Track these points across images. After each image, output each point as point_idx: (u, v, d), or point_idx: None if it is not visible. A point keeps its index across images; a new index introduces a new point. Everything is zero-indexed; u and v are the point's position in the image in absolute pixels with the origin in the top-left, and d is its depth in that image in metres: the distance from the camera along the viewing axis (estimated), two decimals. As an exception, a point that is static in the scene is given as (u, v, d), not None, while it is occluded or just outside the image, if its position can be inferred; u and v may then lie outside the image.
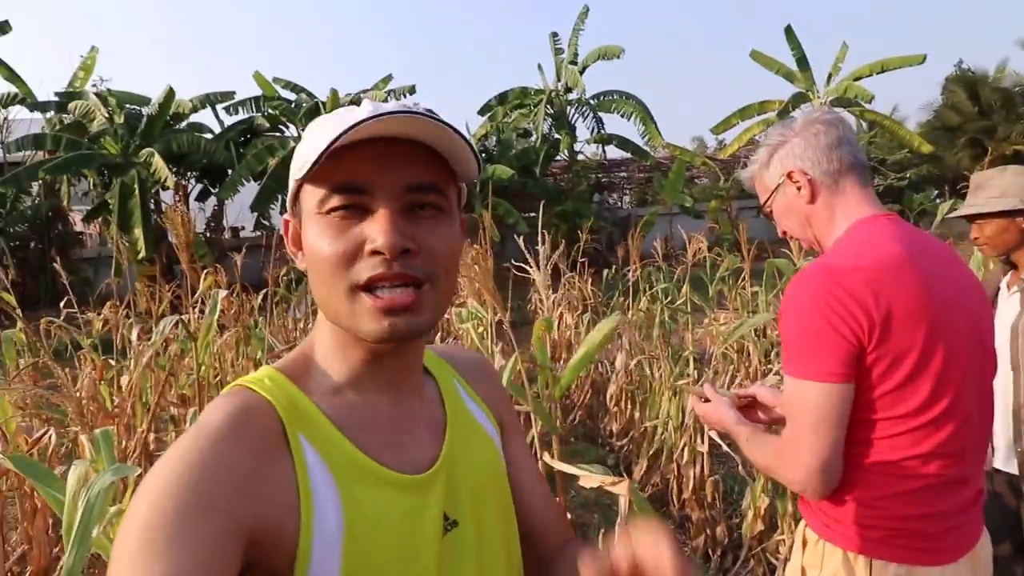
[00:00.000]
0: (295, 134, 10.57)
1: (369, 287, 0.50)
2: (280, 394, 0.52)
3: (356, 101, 10.29)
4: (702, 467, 2.60)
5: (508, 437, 0.68)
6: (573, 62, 11.13)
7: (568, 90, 11.36)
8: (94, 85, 10.09)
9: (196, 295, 2.67)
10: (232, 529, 0.45)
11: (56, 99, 9.56)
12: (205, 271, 2.81)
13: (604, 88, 11.84)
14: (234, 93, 10.34)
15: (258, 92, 10.39)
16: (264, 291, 4.56)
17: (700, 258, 3.66)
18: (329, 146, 0.47)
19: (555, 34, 11.37)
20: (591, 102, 11.63)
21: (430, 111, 0.51)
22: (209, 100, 10.17)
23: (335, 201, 0.51)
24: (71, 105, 9.30)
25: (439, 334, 4.90)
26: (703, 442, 2.57)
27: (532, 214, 12.02)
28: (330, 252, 0.50)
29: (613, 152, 13.64)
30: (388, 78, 11.02)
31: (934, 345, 0.89)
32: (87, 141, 9.06)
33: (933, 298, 0.90)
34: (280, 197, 9.50)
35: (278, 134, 10.60)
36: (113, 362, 3.13)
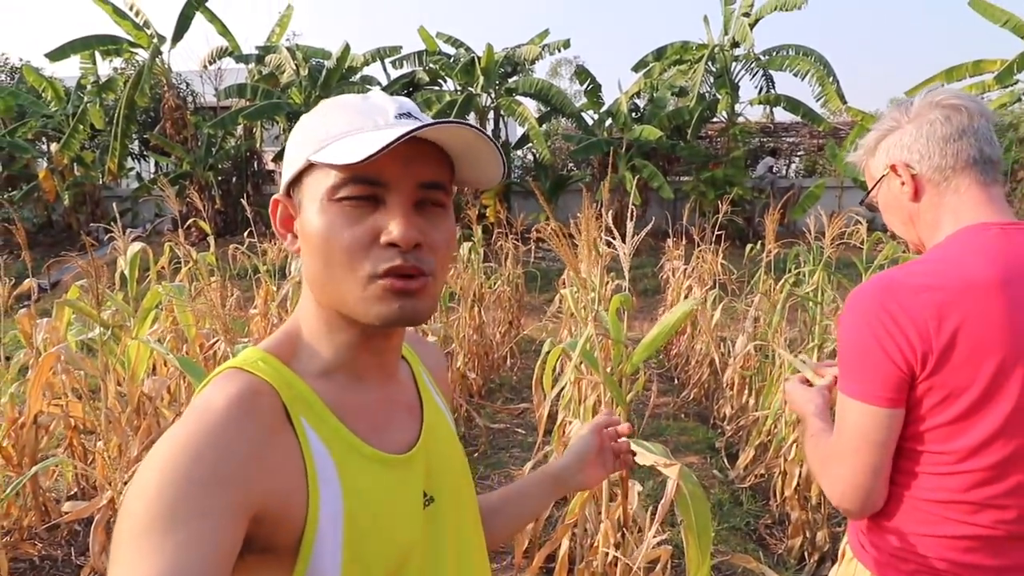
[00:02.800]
0: (451, 87, 10.98)
1: (383, 276, 0.52)
2: (277, 377, 0.54)
3: (412, 85, 10.09)
4: (809, 470, 2.39)
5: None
6: (747, 13, 10.06)
7: (735, 45, 10.32)
8: (287, 40, 11.32)
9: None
10: (243, 504, 0.46)
11: (256, 52, 10.92)
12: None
13: (776, 43, 10.59)
14: (401, 48, 10.98)
15: (422, 47, 10.92)
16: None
17: (859, 241, 3.23)
18: (393, 143, 0.48)
19: (727, -19, 10.33)
20: (761, 58, 10.48)
21: (468, 124, 0.53)
22: (379, 54, 10.91)
23: (350, 190, 0.52)
24: (268, 58, 10.58)
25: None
26: (816, 445, 2.34)
27: (683, 178, 11.39)
28: (346, 240, 0.52)
29: (782, 115, 12.30)
30: (545, 33, 10.88)
31: (1005, 385, 0.78)
32: (278, 91, 10.28)
33: (1020, 333, 0.78)
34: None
35: (436, 88, 11.09)
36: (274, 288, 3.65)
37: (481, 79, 10.11)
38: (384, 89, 10.86)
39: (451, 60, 10.64)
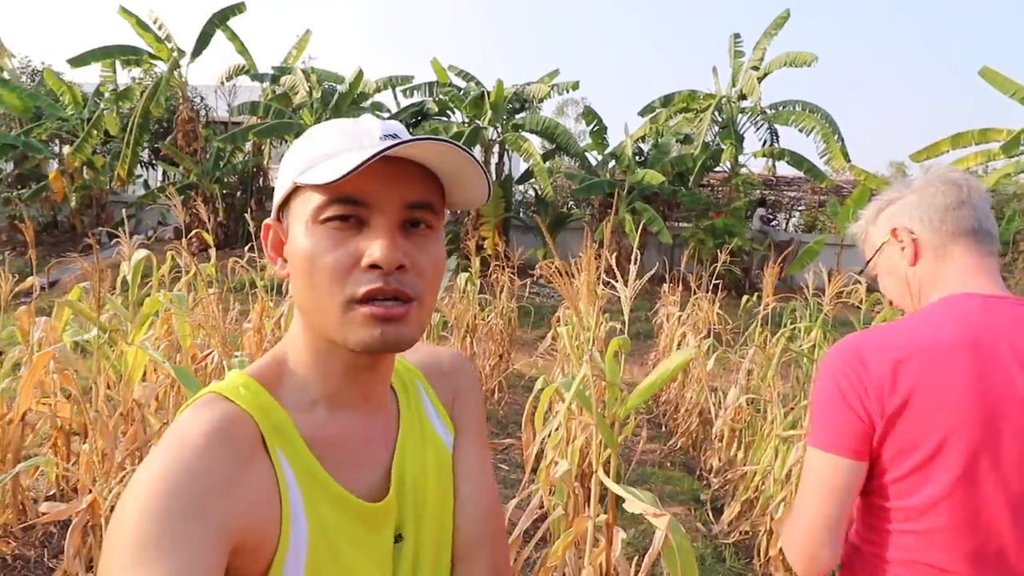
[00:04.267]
0: (459, 119, 11.21)
1: (365, 300, 0.50)
2: (257, 405, 0.53)
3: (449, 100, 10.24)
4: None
5: (460, 440, 0.66)
6: (756, 67, 10.37)
7: (742, 97, 10.61)
8: (303, 63, 11.59)
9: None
10: (221, 535, 0.46)
11: (272, 72, 11.16)
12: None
13: (783, 97, 10.89)
14: (413, 77, 11.23)
15: (433, 78, 11.19)
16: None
17: (858, 300, 3.28)
18: (369, 159, 0.47)
19: (737, 35, 10.66)
20: (767, 111, 10.77)
21: (452, 141, 0.52)
22: (391, 83, 11.16)
23: (334, 211, 0.51)
24: (282, 79, 10.80)
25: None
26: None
27: (682, 224, 11.53)
28: (328, 263, 0.51)
29: (784, 170, 12.57)
30: (555, 72, 11.18)
31: (954, 448, 0.79)
32: (290, 111, 10.47)
33: (985, 394, 0.79)
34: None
35: (444, 119, 11.31)
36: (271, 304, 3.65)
37: (489, 113, 10.33)
38: (393, 117, 11.09)
39: (461, 92, 10.89)
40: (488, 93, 10.33)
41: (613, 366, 1.35)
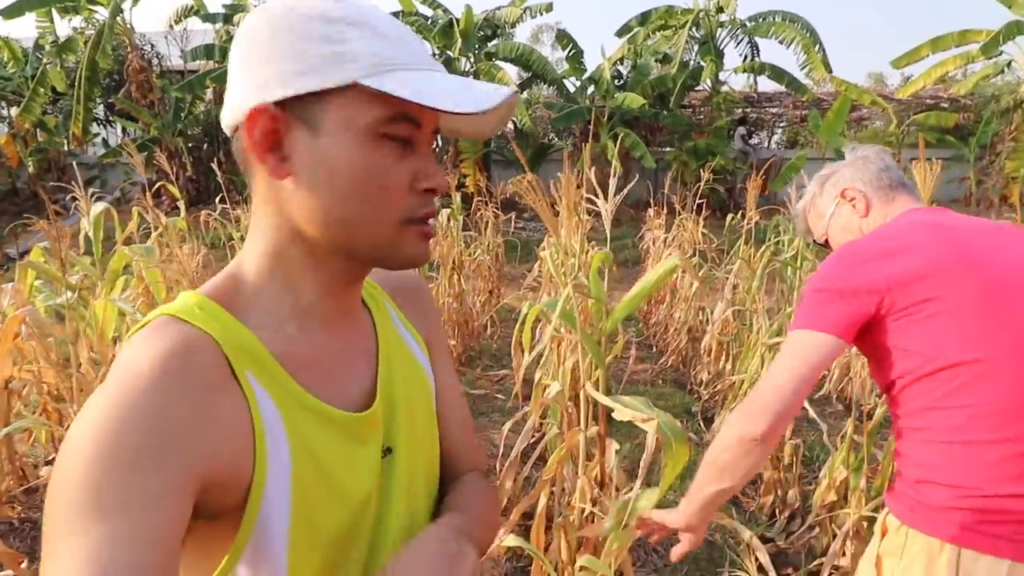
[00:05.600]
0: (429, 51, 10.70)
1: (418, 221, 0.51)
2: (218, 326, 0.47)
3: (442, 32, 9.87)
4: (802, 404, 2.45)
5: (436, 363, 0.66)
6: (732, -25, 9.90)
7: (720, 10, 10.20)
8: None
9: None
10: (181, 482, 0.41)
11: (224, 11, 10.47)
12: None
13: (763, 8, 10.47)
14: (375, 7, 10.60)
15: (399, 7, 10.57)
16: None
17: None
18: (501, 103, 0.47)
19: (714, -57, 10.12)
20: (747, 24, 10.38)
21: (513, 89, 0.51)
22: (354, 15, 10.54)
23: (398, 129, 0.48)
24: (236, 17, 10.16)
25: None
26: (790, 405, 2.40)
27: (665, 148, 11.33)
28: (391, 182, 0.49)
29: (766, 85, 12.28)
30: (526, -6, 10.62)
31: (968, 291, 0.89)
32: (249, 53, 9.90)
33: (970, 249, 0.92)
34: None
35: (414, 51, 10.79)
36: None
37: (459, 42, 9.85)
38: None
39: (428, 22, 10.33)
40: (457, 20, 9.81)
41: (597, 282, 1.33)
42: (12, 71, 10.29)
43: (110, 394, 0.42)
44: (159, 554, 0.39)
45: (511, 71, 10.54)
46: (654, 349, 4.95)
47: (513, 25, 10.54)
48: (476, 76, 10.51)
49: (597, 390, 1.35)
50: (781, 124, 14.82)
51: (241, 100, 0.48)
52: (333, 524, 0.51)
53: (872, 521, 1.67)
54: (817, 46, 9.87)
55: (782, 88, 10.72)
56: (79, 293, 2.17)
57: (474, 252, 4.98)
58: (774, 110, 14.06)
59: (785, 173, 9.77)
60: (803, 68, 10.04)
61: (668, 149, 11.01)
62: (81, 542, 0.38)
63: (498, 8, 10.53)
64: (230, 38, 10.17)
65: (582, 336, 1.31)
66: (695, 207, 4.86)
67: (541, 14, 10.73)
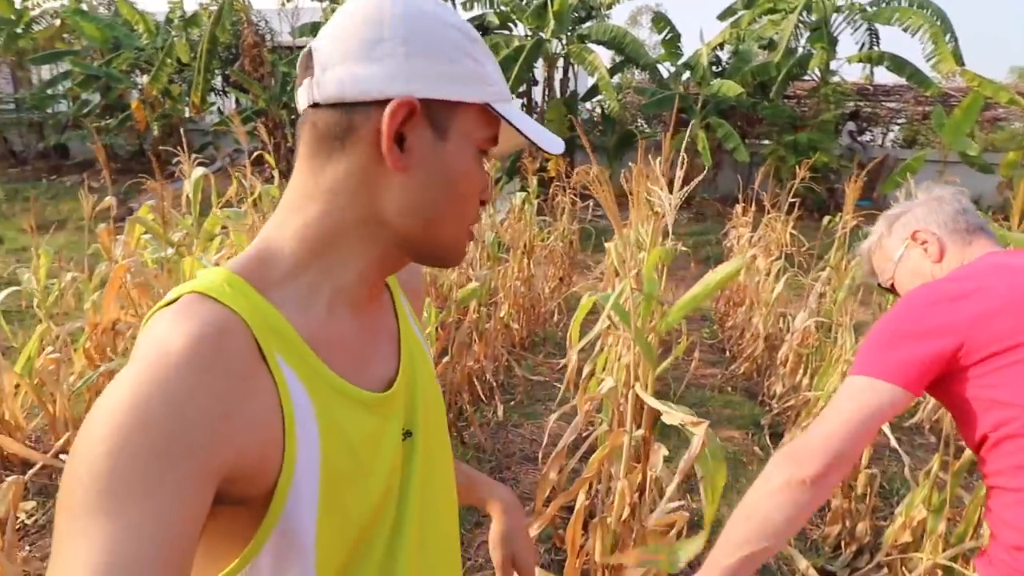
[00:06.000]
0: (521, 32, 10.63)
1: (471, 226, 0.56)
2: (247, 306, 0.46)
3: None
4: (861, 455, 2.26)
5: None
6: (855, -44, 9.07)
7: (836, -7, 9.39)
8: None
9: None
10: (207, 472, 0.40)
11: (320, -9, 10.94)
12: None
13: (887, -8, 9.51)
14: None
15: (497, -13, 10.58)
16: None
17: None
18: (530, 143, 0.54)
19: (837, -80, 9.29)
20: (867, 8, 9.50)
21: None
22: (452, -6, 10.69)
23: (489, 146, 0.55)
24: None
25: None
26: (868, 429, 2.21)
27: (764, 141, 10.66)
28: (477, 189, 0.55)
29: (884, 76, 11.23)
30: (626, -25, 10.29)
31: None
32: (351, 30, 10.30)
33: None
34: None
35: (506, 31, 10.78)
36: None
37: (552, 23, 9.71)
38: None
39: (523, 2, 10.25)
40: (551, 1, 9.67)
41: (652, 279, 1.27)
42: (145, 43, 11.30)
43: (137, 377, 0.40)
44: (175, 549, 0.38)
45: (603, 54, 10.29)
46: (727, 353, 4.73)
47: (609, 7, 10.27)
48: (567, 58, 10.34)
49: (647, 391, 1.30)
50: (899, 120, 13.51)
51: (376, 84, 0.47)
52: (362, 507, 0.51)
53: (948, 570, 1.52)
54: (948, 35, 8.87)
55: (902, 81, 9.75)
56: (178, 250, 2.37)
57: (547, 238, 4.95)
58: (892, 104, 12.83)
59: (899, 174, 8.93)
60: (929, 59, 9.06)
61: (766, 142, 10.36)
62: (96, 533, 0.37)
63: (596, -13, 10.28)
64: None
65: (634, 334, 1.26)
66: (787, 206, 4.55)
67: (640, -6, 10.37)
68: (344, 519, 0.50)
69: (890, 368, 0.84)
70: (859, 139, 10.53)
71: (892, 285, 1.11)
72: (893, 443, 1.97)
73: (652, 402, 1.17)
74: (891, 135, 13.91)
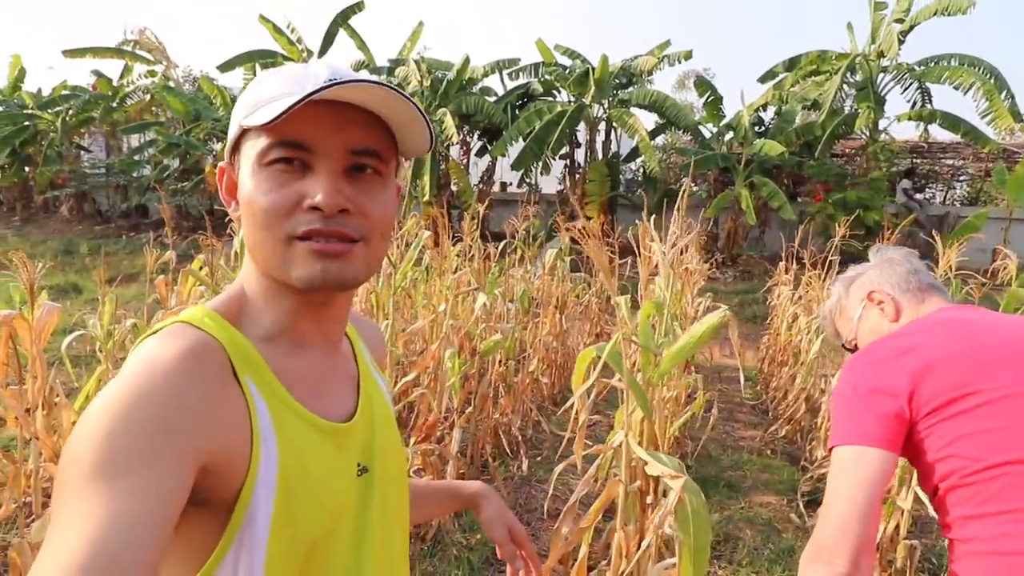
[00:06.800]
0: (565, 99, 11.08)
1: (304, 238, 0.52)
2: (224, 335, 0.53)
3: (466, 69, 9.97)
4: (898, 525, 2.11)
5: None
6: (900, 19, 9.09)
7: (881, 55, 9.38)
8: (418, 53, 12.10)
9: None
10: (190, 456, 0.45)
11: (388, 65, 11.79)
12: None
13: (932, 53, 9.43)
14: (519, 60, 11.28)
15: (539, 59, 11.14)
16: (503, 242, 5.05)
17: (1008, 279, 2.84)
18: (296, 103, 0.48)
19: (878, -14, 9.41)
20: (916, 68, 9.43)
21: (388, 85, 0.52)
22: (499, 66, 11.30)
23: (277, 153, 0.52)
24: (398, 70, 11.38)
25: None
26: (907, 496, 2.07)
27: (809, 199, 10.50)
28: (268, 203, 0.52)
29: (940, 134, 10.96)
30: (665, 44, 10.62)
31: (998, 384, 0.82)
32: (405, 100, 11.02)
33: (1000, 342, 0.87)
34: (539, 159, 10.12)
35: (549, 98, 11.25)
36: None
37: (593, 89, 10.09)
38: (500, 100, 11.23)
39: (566, 71, 10.74)
40: (593, 69, 10.10)
41: (646, 330, 1.30)
42: (222, 114, 12.42)
43: (134, 374, 0.46)
44: (165, 516, 0.42)
45: (645, 118, 10.56)
46: (769, 415, 4.54)
47: (650, 73, 10.60)
48: (608, 121, 10.66)
49: (641, 442, 1.31)
50: (961, 177, 13.04)
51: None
52: (312, 526, 0.54)
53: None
54: (1004, 92, 8.66)
55: (957, 137, 9.50)
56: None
57: (582, 293, 4.99)
58: (951, 162, 12.45)
59: (960, 232, 8.55)
60: (984, 116, 8.83)
61: (813, 201, 10.19)
62: (94, 499, 0.40)
63: (636, 57, 10.66)
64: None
65: (628, 382, 1.28)
66: (827, 262, 4.45)
67: (680, 62, 10.69)
68: (294, 534, 0.53)
69: (865, 433, 0.85)
70: (915, 197, 10.19)
71: (856, 344, 1.13)
72: (932, 513, 1.85)
73: (639, 452, 1.17)
74: (956, 192, 13.39)
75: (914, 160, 11.44)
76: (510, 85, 11.67)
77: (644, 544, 1.32)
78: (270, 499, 0.51)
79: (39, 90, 13.29)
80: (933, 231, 3.80)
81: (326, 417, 0.57)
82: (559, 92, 11.27)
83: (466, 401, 2.88)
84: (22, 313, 1.69)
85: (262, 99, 0.53)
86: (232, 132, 0.57)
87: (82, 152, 13.71)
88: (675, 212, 1.91)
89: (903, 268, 1.09)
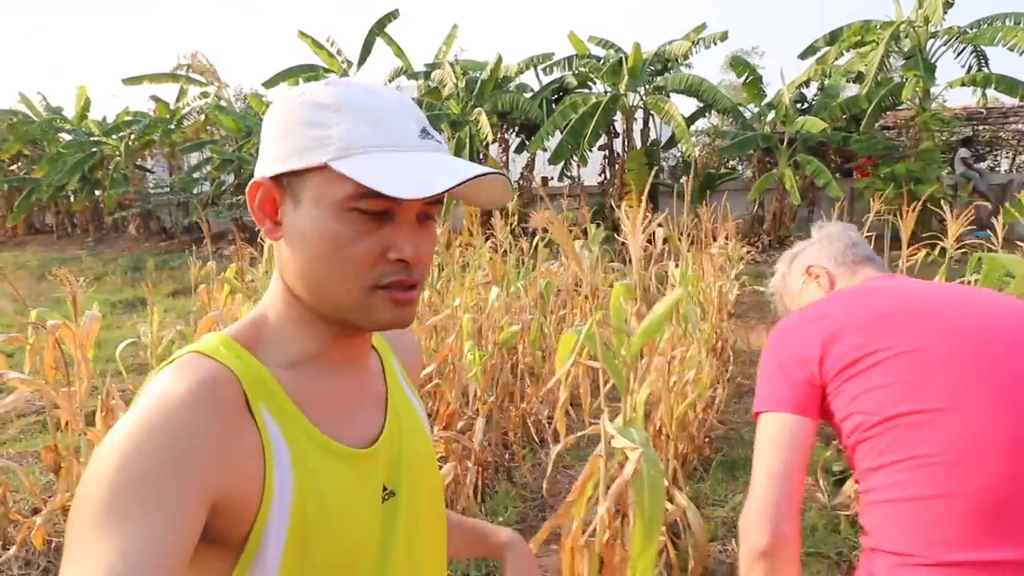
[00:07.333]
0: (600, 90, 11.02)
1: (386, 287, 0.53)
2: (239, 364, 0.52)
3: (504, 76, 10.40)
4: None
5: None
6: (948, -19, 8.56)
7: (927, 20, 8.86)
8: (454, 56, 12.33)
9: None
10: (202, 494, 0.45)
11: (425, 69, 12.05)
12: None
13: (981, 14, 8.82)
14: (553, 54, 11.31)
15: (573, 52, 11.13)
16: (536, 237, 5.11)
17: None
18: (450, 187, 0.49)
19: (927, -53, 8.88)
20: (968, 31, 8.87)
21: (502, 172, 0.54)
22: (532, 62, 11.37)
23: (367, 204, 0.51)
24: (434, 74, 11.63)
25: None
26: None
27: (857, 176, 10.06)
28: (357, 252, 0.51)
29: (1002, 100, 10.23)
30: (701, 27, 10.38)
31: (897, 342, 0.85)
32: (440, 103, 11.25)
33: (902, 303, 0.91)
34: (576, 152, 10.10)
35: (585, 91, 11.22)
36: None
37: (626, 78, 10.00)
38: (535, 96, 11.27)
39: (600, 62, 10.68)
40: (626, 58, 10.01)
41: (618, 312, 1.37)
42: (268, 129, 13.04)
43: (146, 410, 0.46)
44: (177, 555, 0.42)
45: (682, 102, 10.39)
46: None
47: (685, 57, 10.41)
48: (645, 109, 10.53)
49: (616, 419, 1.37)
50: (1028, 144, 12.15)
51: (256, 173, 0.56)
52: (328, 559, 0.53)
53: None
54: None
55: (1018, 101, 8.88)
56: (254, 300, 2.77)
57: (614, 283, 4.98)
58: (1017, 126, 11.62)
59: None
60: (1048, 76, 8.21)
61: (859, 176, 9.76)
62: (109, 533, 0.41)
63: (670, 42, 10.49)
64: (428, 91, 11.66)
65: (604, 359, 1.36)
66: (871, 240, 4.28)
67: (716, 44, 10.44)
68: (307, 566, 0.51)
69: (782, 400, 0.89)
70: (975, 166, 9.59)
71: None
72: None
73: (608, 426, 1.24)
74: (1022, 158, 12.49)
75: (975, 128, 10.76)
76: (545, 80, 11.72)
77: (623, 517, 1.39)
78: (281, 535, 0.50)
79: (104, 117, 14.36)
80: (990, 201, 3.59)
81: (349, 443, 0.57)
82: (594, 83, 11.22)
83: (488, 391, 3.00)
84: (65, 322, 1.91)
85: (353, 142, 0.50)
86: (300, 160, 0.52)
87: (146, 173, 14.70)
88: (683, 201, 1.95)
89: (841, 243, 1.12)
